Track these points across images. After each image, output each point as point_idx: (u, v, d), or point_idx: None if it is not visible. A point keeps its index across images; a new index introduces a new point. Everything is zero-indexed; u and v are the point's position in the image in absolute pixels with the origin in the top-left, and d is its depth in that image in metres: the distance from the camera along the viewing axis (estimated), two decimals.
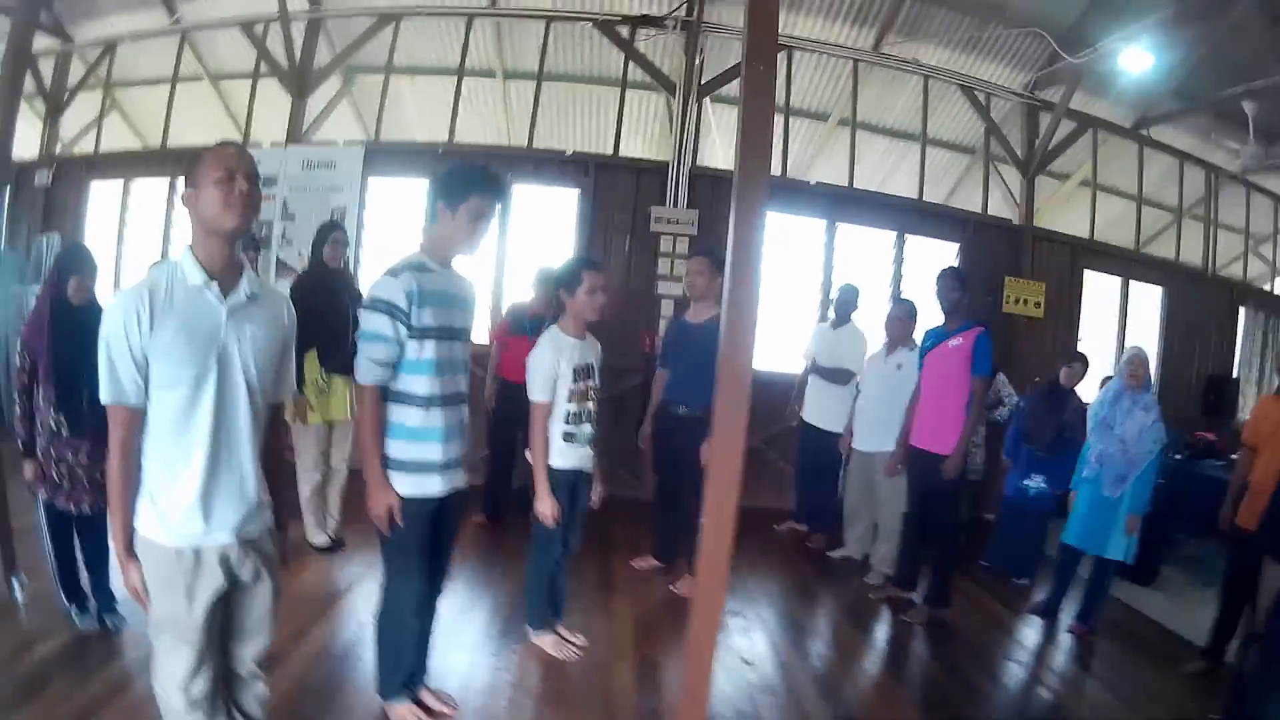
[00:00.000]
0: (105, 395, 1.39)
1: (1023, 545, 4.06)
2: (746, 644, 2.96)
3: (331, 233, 3.48)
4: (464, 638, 2.78)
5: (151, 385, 1.38)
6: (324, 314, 3.34)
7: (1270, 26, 4.76)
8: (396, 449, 1.96)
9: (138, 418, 1.40)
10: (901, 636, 3.23)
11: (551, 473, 2.52)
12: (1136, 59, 5.05)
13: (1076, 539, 3.43)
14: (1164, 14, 4.77)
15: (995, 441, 4.62)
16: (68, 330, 2.44)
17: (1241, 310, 7.04)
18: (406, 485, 1.95)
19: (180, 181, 1.44)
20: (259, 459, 1.49)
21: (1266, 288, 7.48)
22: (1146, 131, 6.39)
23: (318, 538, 3.54)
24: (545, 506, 2.49)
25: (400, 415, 1.95)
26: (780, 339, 5.05)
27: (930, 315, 3.58)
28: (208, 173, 1.38)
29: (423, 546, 2.01)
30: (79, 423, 2.47)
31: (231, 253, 1.44)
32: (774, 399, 4.50)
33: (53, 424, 2.46)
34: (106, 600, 2.61)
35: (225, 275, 1.43)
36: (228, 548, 1.44)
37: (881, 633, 3.27)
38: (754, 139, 1.95)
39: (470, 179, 1.94)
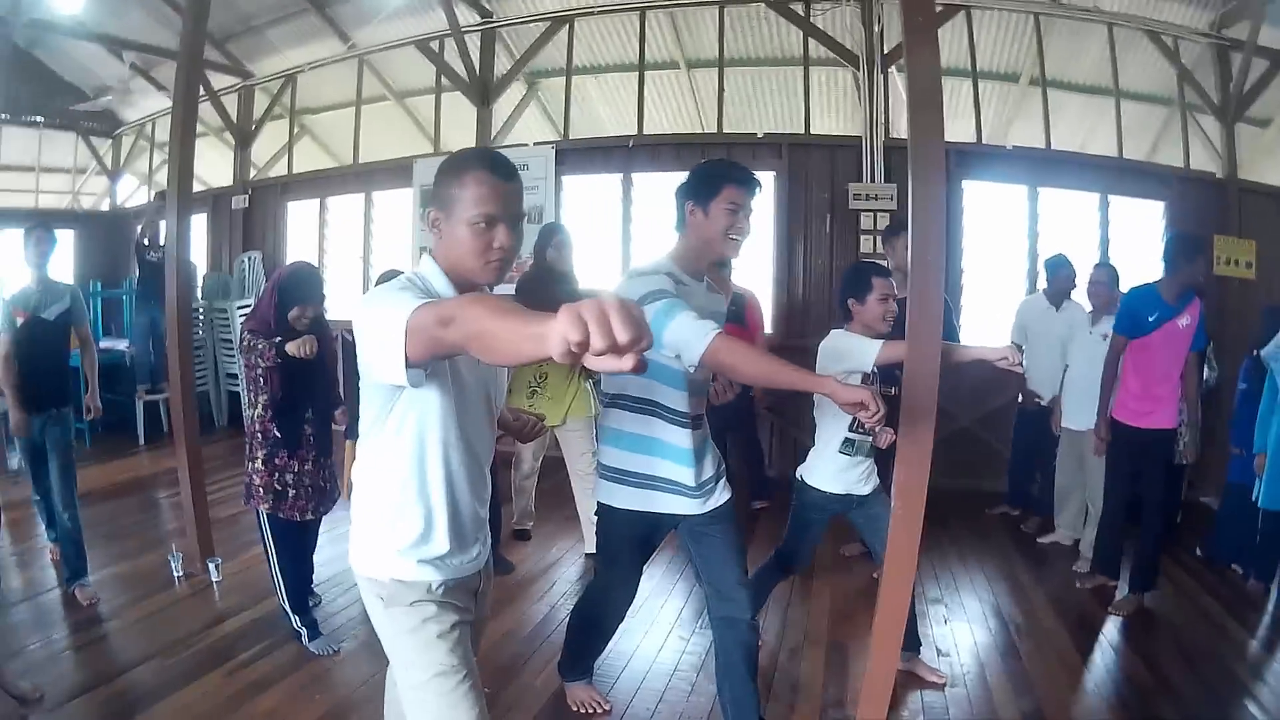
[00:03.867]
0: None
1: (1251, 532, 3.65)
2: (944, 633, 2.90)
3: (555, 235, 3.51)
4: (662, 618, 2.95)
5: (404, 412, 1.24)
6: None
7: None
8: (633, 462, 1.86)
9: None
10: (1105, 629, 3.03)
11: (817, 495, 2.31)
12: None
13: (1275, 501, 3.18)
14: None
15: (1209, 418, 4.28)
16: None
17: None
18: (633, 499, 1.88)
19: (423, 199, 1.49)
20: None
21: None
22: None
23: (524, 523, 3.80)
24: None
25: (648, 428, 1.85)
26: (990, 312, 4.93)
27: (1133, 281, 3.34)
28: (463, 206, 1.20)
29: (635, 556, 2.01)
30: (297, 438, 2.55)
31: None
32: (985, 376, 4.38)
33: (276, 433, 2.51)
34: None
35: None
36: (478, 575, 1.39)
37: (1084, 625, 3.07)
38: (923, 97, 1.83)
39: (721, 170, 1.82)
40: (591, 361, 0.67)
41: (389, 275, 2.67)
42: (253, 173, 7.12)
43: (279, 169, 7.10)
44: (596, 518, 2.01)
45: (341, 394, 2.89)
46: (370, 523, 1.30)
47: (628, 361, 0.66)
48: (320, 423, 2.65)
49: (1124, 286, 3.68)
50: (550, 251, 3.48)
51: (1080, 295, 3.97)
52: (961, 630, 2.96)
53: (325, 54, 6.62)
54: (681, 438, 1.84)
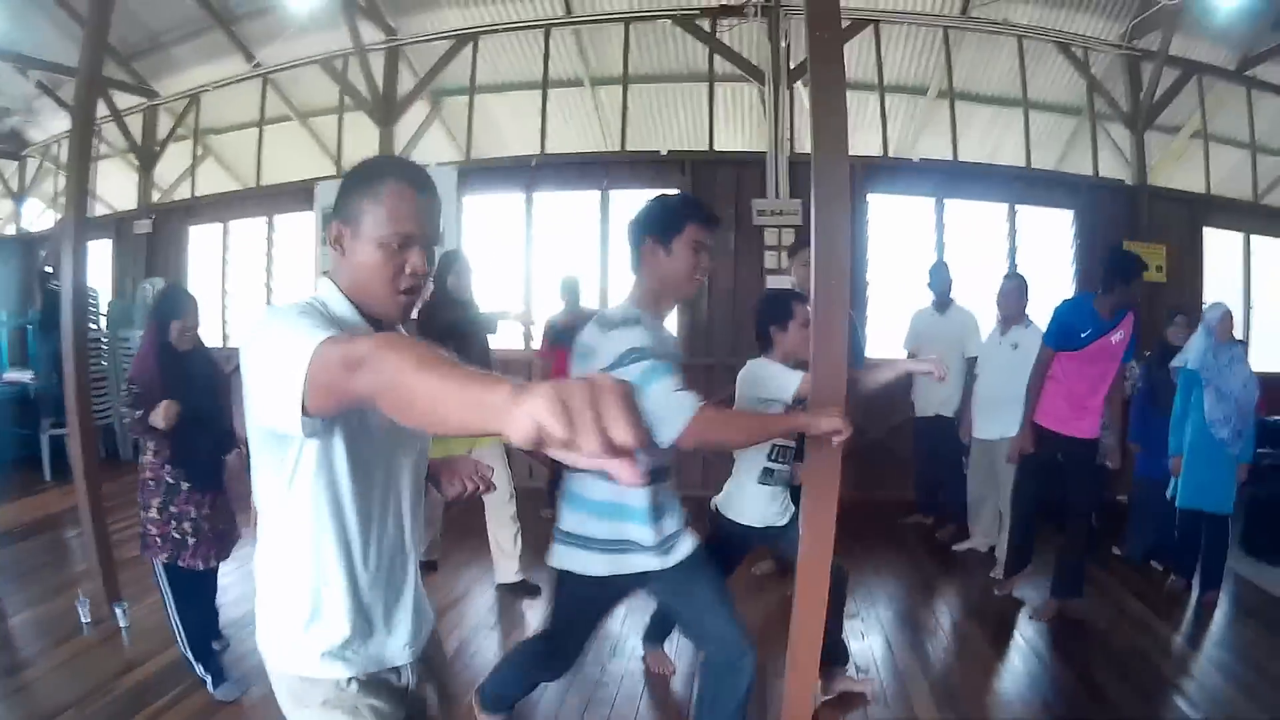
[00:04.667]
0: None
1: (1166, 527, 3.76)
2: (861, 649, 2.80)
3: (454, 263, 3.36)
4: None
5: (296, 463, 1.00)
6: (458, 347, 3.28)
7: None
8: (599, 528, 1.74)
9: None
10: (1028, 635, 2.99)
11: (736, 529, 2.24)
12: None
13: (1195, 499, 3.27)
14: None
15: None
16: (177, 378, 2.33)
17: None
18: (600, 565, 1.76)
19: (326, 221, 1.33)
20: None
21: None
22: (1251, 73, 5.96)
23: (431, 554, 3.61)
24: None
25: (595, 490, 1.74)
26: (897, 326, 4.85)
27: (1042, 290, 3.33)
28: (373, 222, 1.00)
29: (594, 621, 1.95)
30: (200, 475, 2.39)
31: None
32: (893, 389, 4.30)
33: (169, 479, 2.36)
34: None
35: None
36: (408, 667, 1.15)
37: (1005, 631, 3.03)
38: (827, 113, 1.76)
39: (682, 207, 1.71)
40: (567, 456, 0.52)
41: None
42: (157, 196, 6.82)
43: (184, 191, 6.82)
44: (556, 584, 1.88)
45: (236, 430, 2.67)
46: (267, 600, 1.07)
47: (624, 470, 0.51)
48: (216, 462, 2.49)
49: (1033, 296, 3.71)
50: (450, 279, 3.32)
51: (987, 304, 3.94)
52: (878, 644, 2.88)
53: (230, 73, 6.38)
54: (642, 496, 1.73)
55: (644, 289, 1.72)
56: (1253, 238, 6.08)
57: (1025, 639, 2.96)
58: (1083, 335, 3.07)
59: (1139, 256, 3.16)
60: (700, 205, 1.74)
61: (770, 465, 2.19)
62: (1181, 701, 2.47)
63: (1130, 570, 3.75)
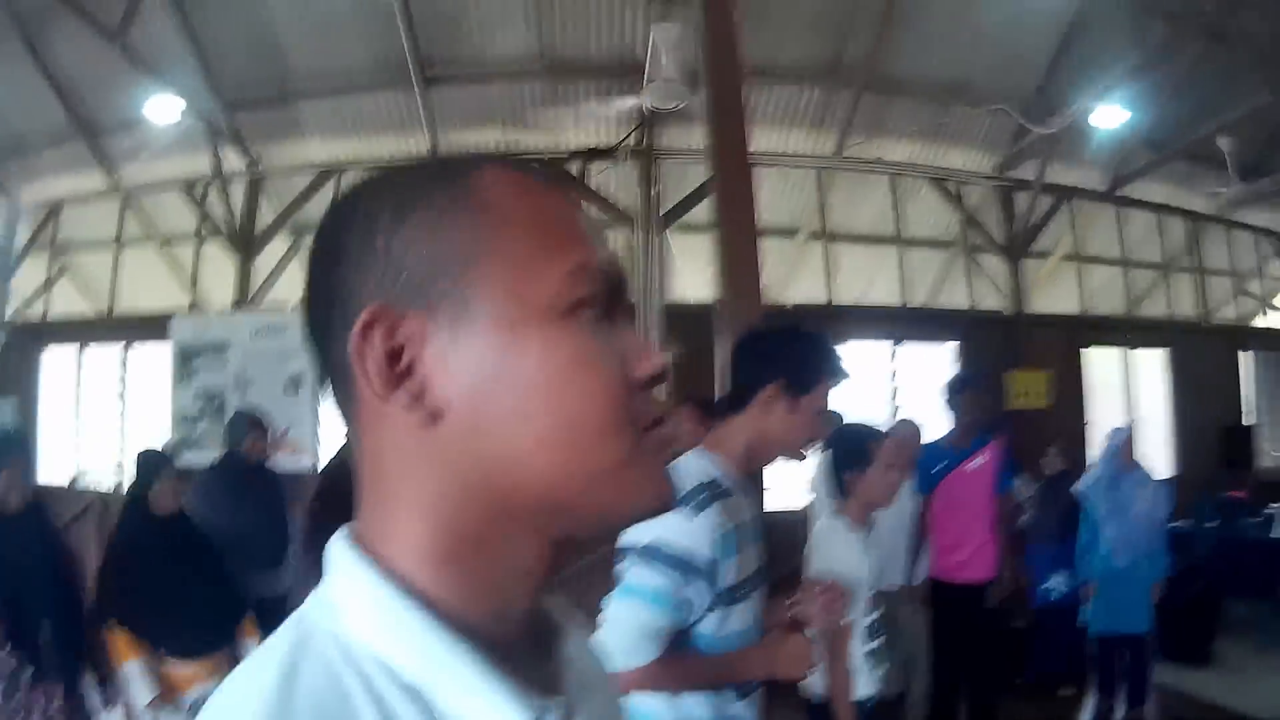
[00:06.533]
0: None
1: (1065, 650, 3.80)
2: None
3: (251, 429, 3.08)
4: None
5: None
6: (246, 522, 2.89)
7: (1230, 55, 4.64)
8: None
9: None
10: None
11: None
12: (1106, 116, 5.00)
13: (1109, 625, 3.28)
14: (1122, 67, 4.69)
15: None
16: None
17: (1241, 355, 6.83)
18: None
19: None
20: None
21: (1261, 324, 7.28)
22: (1122, 191, 6.22)
23: None
24: None
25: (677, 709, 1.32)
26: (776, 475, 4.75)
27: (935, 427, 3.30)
28: (524, 279, 0.37)
29: None
30: (40, 658, 2.00)
31: None
32: (795, 541, 4.18)
33: (10, 663, 1.96)
34: None
35: None
36: None
37: None
38: (735, 261, 1.68)
39: (828, 356, 1.38)
40: None
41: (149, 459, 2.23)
42: (9, 312, 6.35)
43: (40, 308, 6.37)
44: None
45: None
46: None
47: None
48: (64, 646, 2.08)
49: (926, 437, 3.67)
50: (246, 443, 3.04)
51: None
52: None
53: (92, 186, 6.00)
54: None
55: (750, 438, 1.34)
56: (1130, 352, 6.30)
57: None
58: (934, 472, 3.08)
59: (969, 373, 3.20)
60: (839, 357, 1.39)
61: (872, 646, 1.98)
62: None
63: (1044, 698, 3.70)
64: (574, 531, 0.38)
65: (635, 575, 1.23)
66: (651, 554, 1.22)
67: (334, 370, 0.38)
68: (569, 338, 0.36)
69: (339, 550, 0.37)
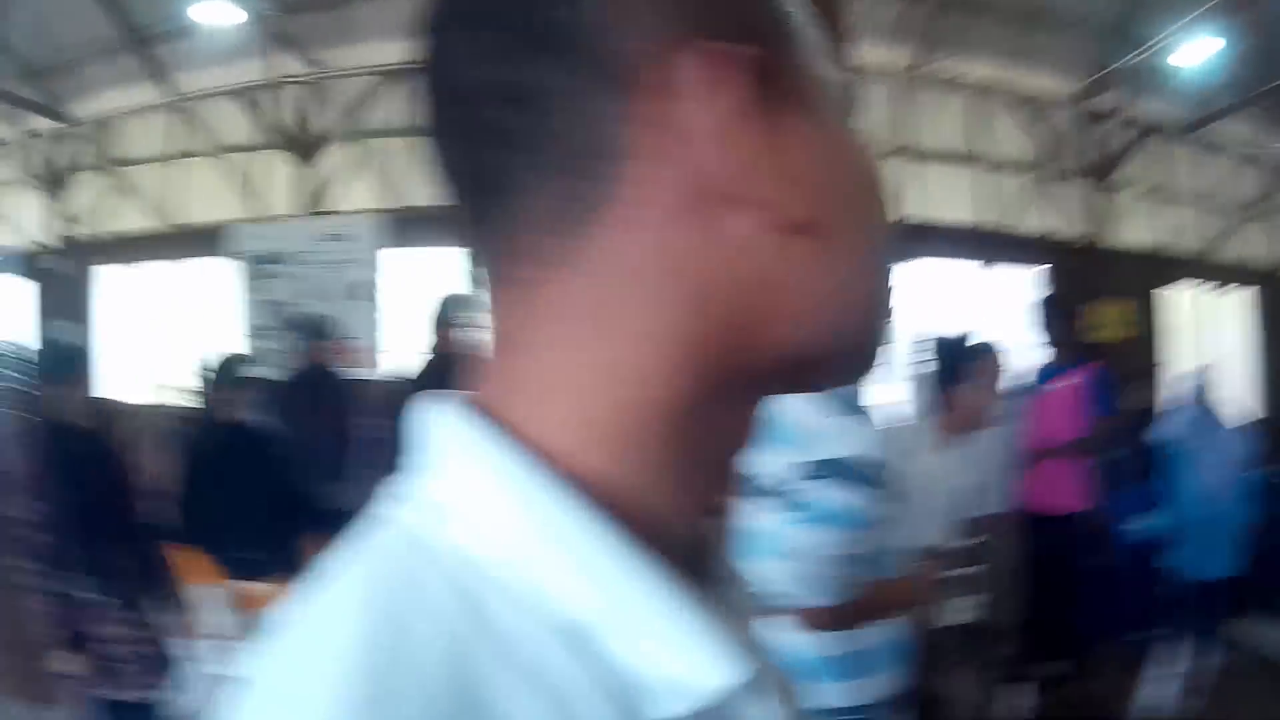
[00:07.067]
0: None
1: (1144, 596, 3.59)
2: None
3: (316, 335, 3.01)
4: None
5: None
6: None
7: None
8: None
9: None
10: None
11: None
12: (1187, 54, 4.84)
13: (1193, 567, 3.19)
14: (1209, 4, 4.45)
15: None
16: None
17: None
18: None
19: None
20: None
21: None
22: (1204, 130, 5.93)
23: None
24: None
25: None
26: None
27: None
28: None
29: None
30: (113, 580, 1.86)
31: None
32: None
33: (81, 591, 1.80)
34: None
35: None
36: None
37: None
38: None
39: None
40: None
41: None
42: (64, 229, 6.31)
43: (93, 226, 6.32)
44: None
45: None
46: None
47: None
48: (134, 568, 1.94)
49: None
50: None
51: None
52: None
53: (143, 100, 5.92)
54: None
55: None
56: (1204, 294, 6.09)
57: None
58: (1027, 394, 2.93)
59: (1060, 295, 3.06)
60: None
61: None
62: None
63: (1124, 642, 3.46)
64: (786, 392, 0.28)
65: (828, 496, 1.07)
66: (844, 470, 1.07)
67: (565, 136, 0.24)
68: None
69: (454, 427, 0.25)
